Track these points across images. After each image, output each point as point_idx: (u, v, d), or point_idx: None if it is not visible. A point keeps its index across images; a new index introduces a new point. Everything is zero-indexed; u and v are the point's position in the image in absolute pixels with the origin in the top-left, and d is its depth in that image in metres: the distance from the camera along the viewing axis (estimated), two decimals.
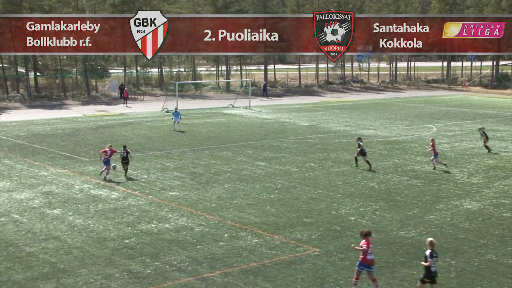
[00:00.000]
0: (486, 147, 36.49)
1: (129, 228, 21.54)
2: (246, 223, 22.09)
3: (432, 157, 31.55)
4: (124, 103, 64.51)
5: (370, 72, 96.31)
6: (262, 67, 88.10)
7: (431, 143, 31.45)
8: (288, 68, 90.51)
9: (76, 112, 58.12)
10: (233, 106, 62.12)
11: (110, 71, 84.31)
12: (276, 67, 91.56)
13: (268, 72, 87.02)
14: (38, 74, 72.57)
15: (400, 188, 27.44)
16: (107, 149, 28.95)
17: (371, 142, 39.78)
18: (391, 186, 27.79)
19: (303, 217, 22.87)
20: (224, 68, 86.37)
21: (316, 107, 62.71)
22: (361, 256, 15.97)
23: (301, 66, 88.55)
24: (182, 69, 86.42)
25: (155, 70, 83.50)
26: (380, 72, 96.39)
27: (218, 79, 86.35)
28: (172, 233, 20.96)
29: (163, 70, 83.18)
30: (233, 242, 20.12)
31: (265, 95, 74.53)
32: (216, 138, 41.56)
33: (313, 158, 34.22)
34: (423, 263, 15.44)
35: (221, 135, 42.77)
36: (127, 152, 29.26)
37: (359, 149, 31.31)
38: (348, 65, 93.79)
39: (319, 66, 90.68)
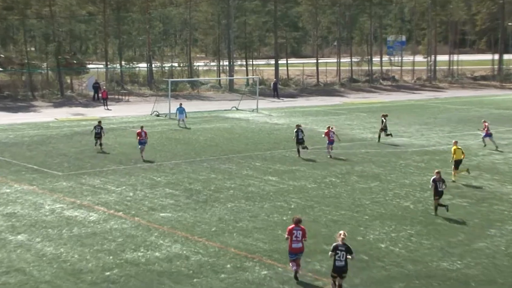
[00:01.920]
0: (379, 135, 43.36)
1: (111, 257, 21.45)
2: (253, 251, 21.97)
3: (328, 144, 37.74)
4: (103, 105, 64.61)
5: (403, 68, 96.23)
6: (272, 61, 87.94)
7: (327, 129, 37.98)
8: (303, 63, 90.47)
9: (47, 115, 58.26)
10: (237, 109, 62.19)
11: (89, 66, 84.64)
12: (289, 62, 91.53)
13: (280, 68, 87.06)
14: None
15: (441, 209, 27.25)
16: (140, 131, 37.58)
17: (405, 153, 39.60)
18: (430, 207, 27.60)
19: (323, 243, 22.69)
20: (227, 63, 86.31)
21: (338, 110, 62.64)
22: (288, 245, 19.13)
23: (319, 61, 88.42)
24: (176, 64, 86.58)
25: (143, 66, 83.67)
26: (415, 68, 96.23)
27: (219, 76, 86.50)
28: (163, 264, 20.86)
29: (153, 66, 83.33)
30: (237, 274, 20.00)
31: (276, 96, 74.62)
32: (217, 147, 41.54)
33: (334, 172, 34.11)
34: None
35: (223, 144, 42.75)
36: (101, 128, 40.33)
37: (296, 138, 37.59)
38: (376, 59, 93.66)
39: (341, 60, 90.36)
